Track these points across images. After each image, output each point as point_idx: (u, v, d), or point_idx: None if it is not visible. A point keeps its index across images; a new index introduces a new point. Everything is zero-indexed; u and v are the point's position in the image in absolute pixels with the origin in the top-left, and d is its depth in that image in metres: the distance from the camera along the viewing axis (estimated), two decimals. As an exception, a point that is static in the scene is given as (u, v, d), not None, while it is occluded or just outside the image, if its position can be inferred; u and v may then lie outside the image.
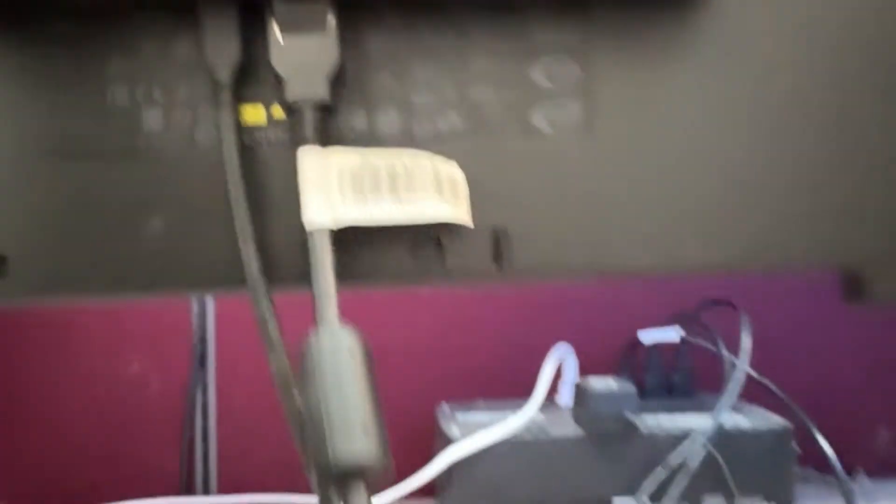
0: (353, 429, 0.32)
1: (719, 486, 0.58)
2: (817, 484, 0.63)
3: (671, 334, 0.66)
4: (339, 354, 0.33)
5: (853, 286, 0.37)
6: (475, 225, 0.37)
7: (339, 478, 0.32)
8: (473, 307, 0.77)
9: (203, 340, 0.76)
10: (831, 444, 0.61)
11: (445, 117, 0.36)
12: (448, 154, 0.36)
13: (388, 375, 0.62)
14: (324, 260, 0.34)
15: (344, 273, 0.35)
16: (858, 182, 0.39)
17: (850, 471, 0.65)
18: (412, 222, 0.35)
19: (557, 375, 0.68)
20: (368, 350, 0.34)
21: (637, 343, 0.68)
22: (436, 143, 0.37)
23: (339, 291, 0.34)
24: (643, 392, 0.67)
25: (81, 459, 0.73)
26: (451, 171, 0.36)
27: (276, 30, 0.36)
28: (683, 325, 0.67)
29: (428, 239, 0.37)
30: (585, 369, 0.67)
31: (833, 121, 0.39)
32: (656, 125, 0.37)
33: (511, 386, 0.68)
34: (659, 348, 0.68)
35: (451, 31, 0.37)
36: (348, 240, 0.36)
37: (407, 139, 0.37)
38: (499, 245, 0.37)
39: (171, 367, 0.74)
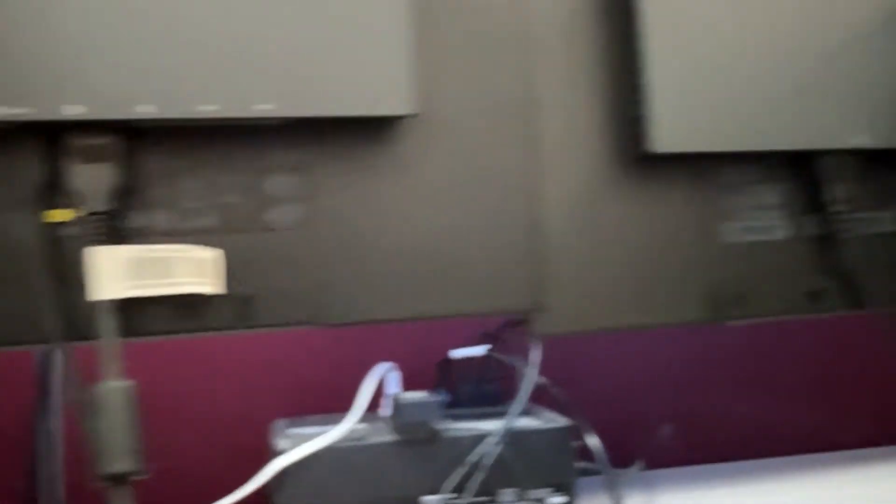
0: (121, 451, 0.57)
1: (513, 479, 0.75)
2: (601, 476, 0.80)
3: (477, 350, 0.83)
4: (115, 401, 0.56)
5: (523, 323, 0.59)
6: (229, 293, 0.58)
7: (110, 482, 0.57)
8: (311, 335, 0.92)
9: (46, 370, 0.88)
10: (621, 440, 0.79)
11: (206, 218, 0.57)
12: (208, 244, 0.57)
13: (231, 398, 0.80)
14: (108, 327, 0.55)
15: (135, 328, 0.56)
16: (521, 250, 0.60)
17: (629, 462, 0.84)
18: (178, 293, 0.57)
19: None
20: (136, 397, 0.58)
21: (450, 360, 0.84)
22: (199, 237, 0.57)
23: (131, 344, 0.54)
24: (458, 402, 0.85)
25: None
26: (210, 257, 0.57)
27: (72, 160, 0.55)
28: (490, 343, 0.84)
29: (190, 304, 0.58)
30: (416, 385, 0.83)
31: (494, 206, 0.60)
32: (359, 221, 0.58)
33: (347, 401, 0.83)
34: (470, 363, 0.85)
35: (210, 154, 0.57)
36: (139, 306, 0.57)
37: (177, 234, 0.57)
38: (245, 308, 0.59)
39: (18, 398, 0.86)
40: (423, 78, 0.59)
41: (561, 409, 0.78)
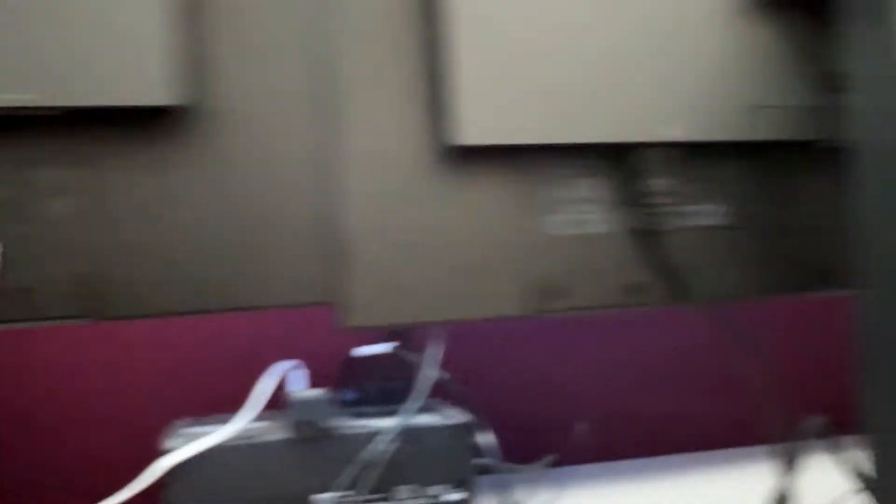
0: None
1: (409, 476, 0.75)
2: (505, 473, 0.80)
3: (382, 348, 0.83)
4: None
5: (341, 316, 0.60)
6: (4, 285, 0.57)
7: None
8: (225, 334, 0.93)
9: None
10: (537, 437, 0.79)
11: None
12: None
13: (134, 398, 0.79)
14: None
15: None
16: (319, 242, 0.60)
17: (538, 459, 0.84)
18: None
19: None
20: None
21: (354, 357, 0.84)
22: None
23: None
24: (364, 400, 0.84)
25: None
26: None
27: None
28: (397, 341, 0.84)
29: None
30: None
31: (291, 198, 0.61)
32: (142, 213, 0.59)
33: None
34: (376, 361, 0.84)
35: None
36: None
37: None
38: (21, 300, 0.58)
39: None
40: (216, 69, 0.59)
41: (466, 405, 0.78)
